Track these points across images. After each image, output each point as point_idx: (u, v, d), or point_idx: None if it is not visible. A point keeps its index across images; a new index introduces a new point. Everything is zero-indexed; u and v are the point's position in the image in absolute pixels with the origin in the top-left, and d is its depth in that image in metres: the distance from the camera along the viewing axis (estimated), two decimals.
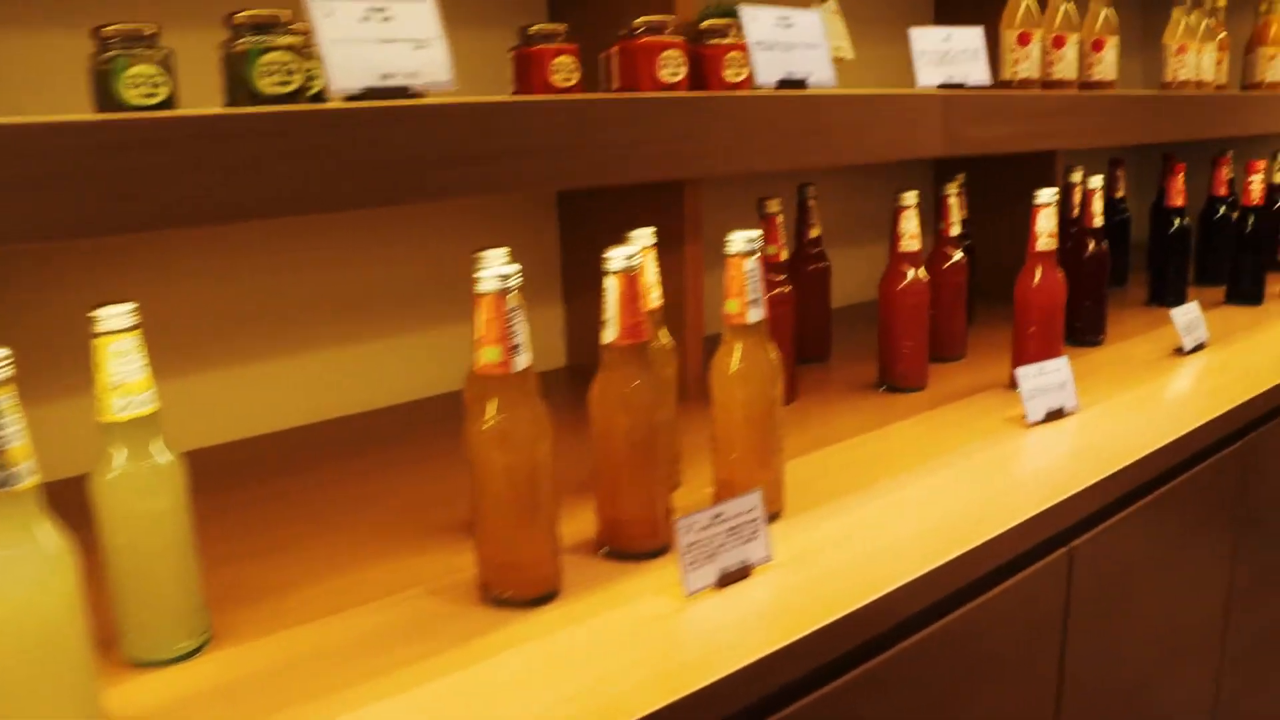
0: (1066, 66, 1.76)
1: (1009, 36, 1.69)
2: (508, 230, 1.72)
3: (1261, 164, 2.13)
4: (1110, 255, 2.31)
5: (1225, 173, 2.37)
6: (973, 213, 2.30)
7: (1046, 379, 1.46)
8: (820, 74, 1.14)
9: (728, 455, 1.15)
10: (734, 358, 1.12)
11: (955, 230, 1.74)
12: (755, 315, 1.10)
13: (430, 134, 0.99)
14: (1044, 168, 2.12)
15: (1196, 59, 2.07)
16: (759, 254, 1.09)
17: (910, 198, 1.55)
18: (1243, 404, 1.55)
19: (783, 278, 1.54)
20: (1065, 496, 1.20)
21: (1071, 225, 1.95)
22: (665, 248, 1.61)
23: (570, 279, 1.81)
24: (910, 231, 1.56)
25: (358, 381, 1.57)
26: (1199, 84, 2.10)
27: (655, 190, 1.52)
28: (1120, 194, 2.41)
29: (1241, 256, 2.18)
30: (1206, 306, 2.17)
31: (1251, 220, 2.15)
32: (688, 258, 1.59)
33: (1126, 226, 2.43)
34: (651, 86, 1.20)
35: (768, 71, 1.08)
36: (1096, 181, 1.81)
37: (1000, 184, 2.23)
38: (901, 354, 1.60)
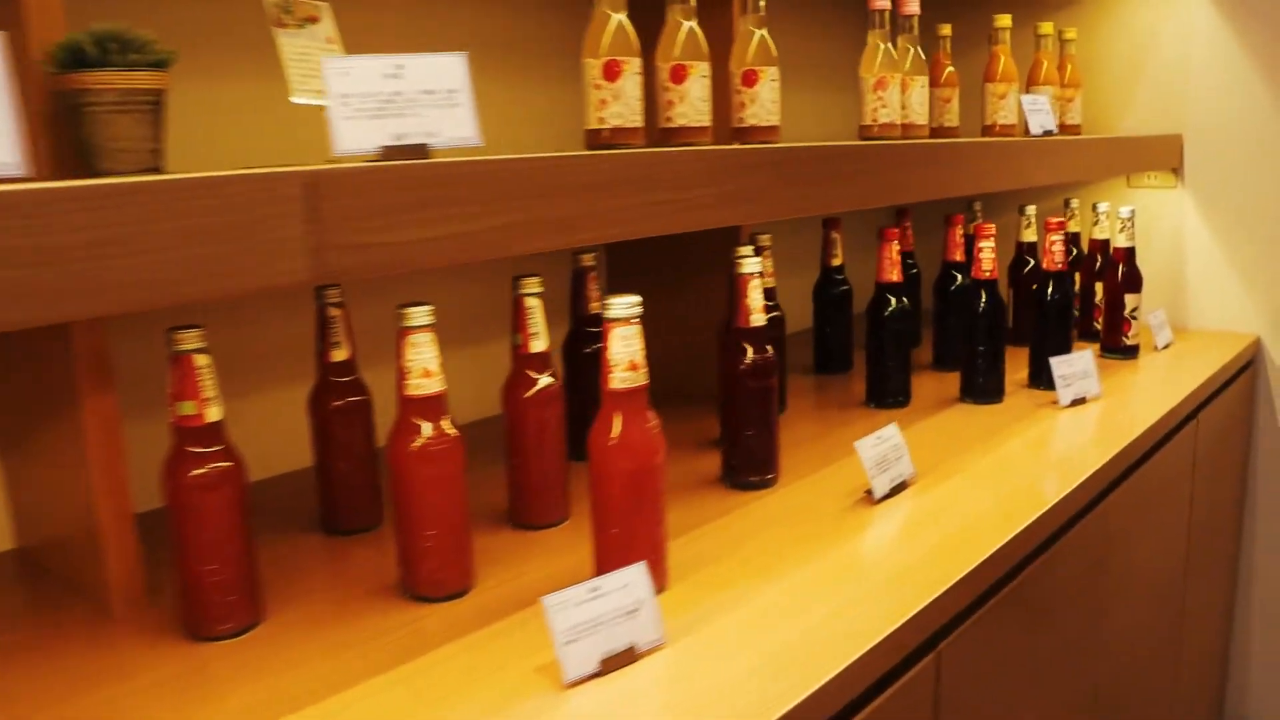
0: (691, 108, 1.24)
1: (592, 69, 1.16)
2: None
3: (992, 227, 1.67)
4: (811, 344, 1.81)
5: (959, 233, 1.91)
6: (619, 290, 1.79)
7: (602, 605, 0.92)
8: None
9: None
10: None
11: (540, 344, 1.20)
12: None
13: None
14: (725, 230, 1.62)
15: (901, 96, 1.60)
16: None
17: (419, 315, 1.01)
18: (929, 605, 1.05)
19: (217, 448, 0.97)
20: None
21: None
22: (50, 411, 1.03)
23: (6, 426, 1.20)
24: (421, 366, 1.01)
25: None
26: (906, 127, 1.63)
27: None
28: (837, 260, 1.94)
29: (972, 343, 1.72)
30: (936, 406, 1.70)
31: (984, 298, 1.69)
32: (87, 421, 1.01)
33: (847, 301, 1.95)
34: None
35: None
36: (753, 265, 1.31)
37: (661, 250, 1.73)
38: (423, 549, 1.05)
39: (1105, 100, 2.28)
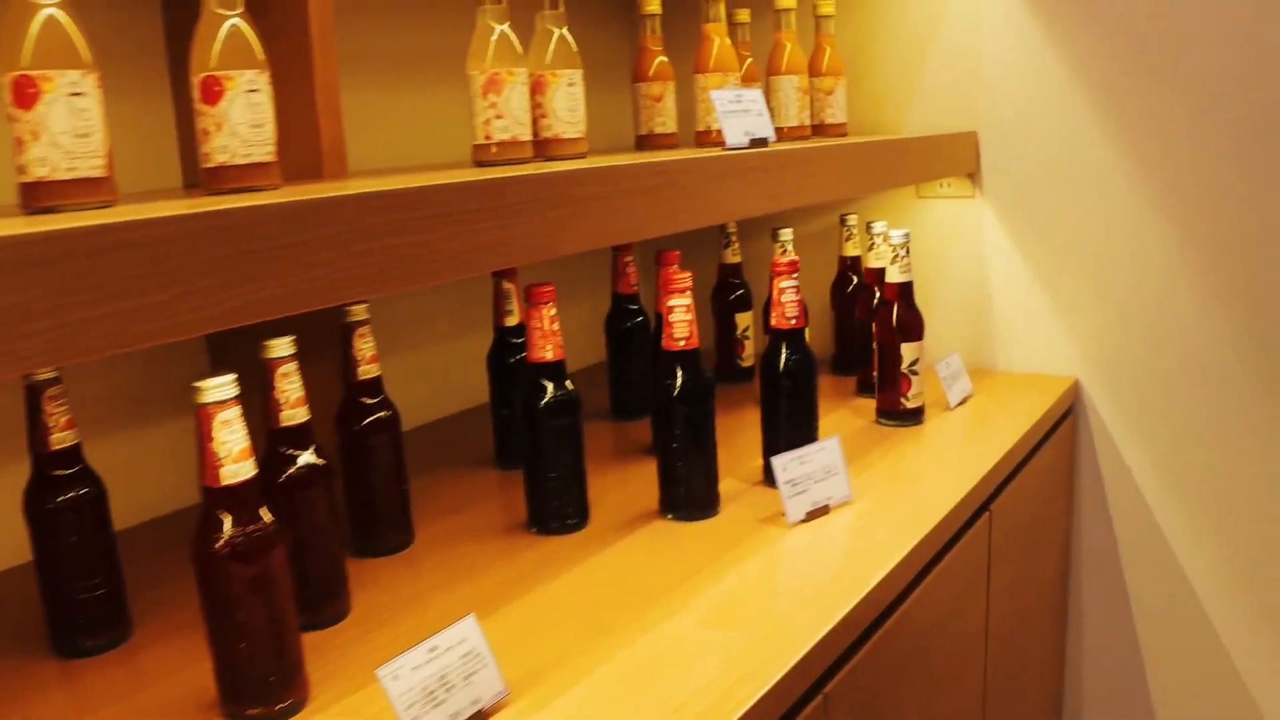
0: (236, 139, 0.76)
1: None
2: None
3: (686, 278, 1.21)
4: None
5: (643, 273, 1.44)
6: None
7: None
8: None
9: None
10: None
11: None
12: None
13: None
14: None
15: (537, 100, 1.11)
16: None
17: None
18: None
19: None
20: None
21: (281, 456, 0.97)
22: None
23: None
24: None
25: None
26: (546, 144, 1.15)
27: None
28: (513, 319, 1.45)
29: (666, 438, 1.25)
30: (624, 526, 1.24)
31: (679, 377, 1.22)
32: None
33: None
34: None
35: None
36: (220, 390, 0.82)
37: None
38: None
39: (886, 93, 1.84)
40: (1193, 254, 1.63)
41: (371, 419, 1.19)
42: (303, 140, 1.21)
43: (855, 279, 1.77)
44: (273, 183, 0.89)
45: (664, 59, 1.47)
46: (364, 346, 1.18)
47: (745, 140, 1.21)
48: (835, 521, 1.24)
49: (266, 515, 0.88)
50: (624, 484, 1.38)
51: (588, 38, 1.89)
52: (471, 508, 1.34)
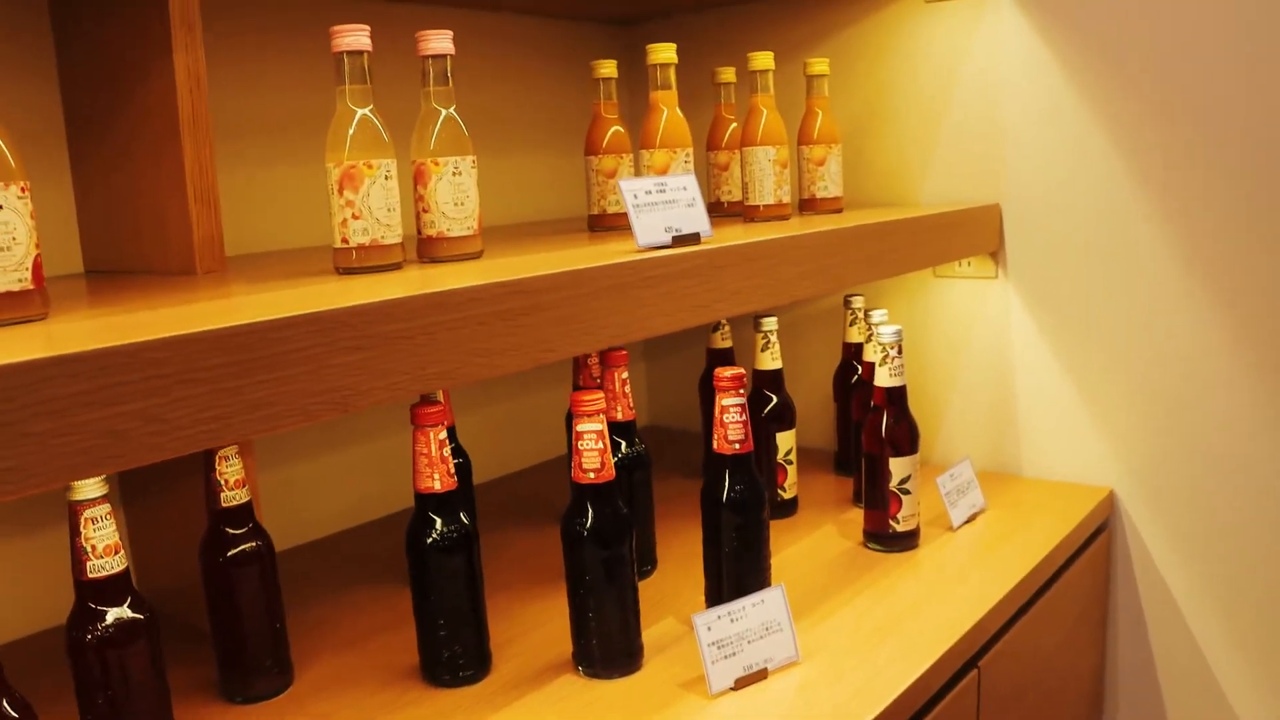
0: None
1: None
2: None
3: (595, 400, 1.03)
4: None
5: (620, 382, 1.27)
6: None
7: None
8: None
9: None
10: None
11: None
12: None
13: None
14: None
15: (393, 195, 0.95)
16: None
17: None
18: None
19: None
20: None
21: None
22: None
23: None
24: None
25: None
26: (428, 244, 0.98)
27: None
28: None
29: (572, 581, 1.07)
30: (528, 681, 1.06)
31: (589, 516, 1.04)
32: None
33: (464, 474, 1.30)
34: None
35: None
36: None
37: None
38: None
39: (898, 161, 1.63)
40: (1254, 350, 1.38)
41: (235, 551, 1.04)
42: (175, 232, 1.08)
43: (859, 369, 1.56)
44: (35, 313, 0.74)
45: (620, 129, 1.30)
46: (228, 470, 1.03)
47: (666, 239, 1.02)
48: (772, 690, 1.04)
49: (9, 709, 0.74)
50: (550, 618, 1.20)
51: (560, 95, 1.72)
52: (371, 643, 1.18)
